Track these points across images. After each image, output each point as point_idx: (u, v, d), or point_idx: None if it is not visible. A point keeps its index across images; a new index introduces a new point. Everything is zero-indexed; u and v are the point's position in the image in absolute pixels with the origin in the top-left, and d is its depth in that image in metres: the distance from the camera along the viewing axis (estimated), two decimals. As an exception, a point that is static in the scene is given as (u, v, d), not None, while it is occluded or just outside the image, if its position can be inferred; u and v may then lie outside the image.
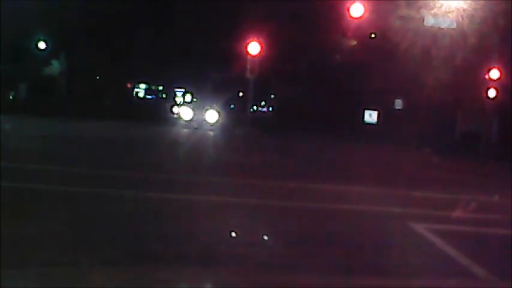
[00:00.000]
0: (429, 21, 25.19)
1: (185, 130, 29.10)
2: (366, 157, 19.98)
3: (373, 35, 30.71)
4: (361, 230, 8.29)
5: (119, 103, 40.40)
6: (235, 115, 36.35)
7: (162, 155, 16.15)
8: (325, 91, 36.96)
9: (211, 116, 32.18)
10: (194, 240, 6.91)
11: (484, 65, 26.12)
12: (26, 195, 8.82)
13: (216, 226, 7.75)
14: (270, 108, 55.68)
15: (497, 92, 25.98)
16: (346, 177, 13.60)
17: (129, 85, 51.78)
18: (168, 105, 42.29)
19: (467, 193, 12.13)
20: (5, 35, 30.31)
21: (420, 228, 8.42)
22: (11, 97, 35.78)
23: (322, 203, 10.16)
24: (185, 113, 33.15)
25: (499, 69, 25.87)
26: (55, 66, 39.63)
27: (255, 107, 47.30)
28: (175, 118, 34.18)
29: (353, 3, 21.79)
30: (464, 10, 24.92)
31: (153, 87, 59.50)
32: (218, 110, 32.94)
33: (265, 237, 7.53)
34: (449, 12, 25.02)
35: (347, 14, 22.28)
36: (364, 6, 21.80)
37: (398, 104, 35.23)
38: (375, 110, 37.10)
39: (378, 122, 36.82)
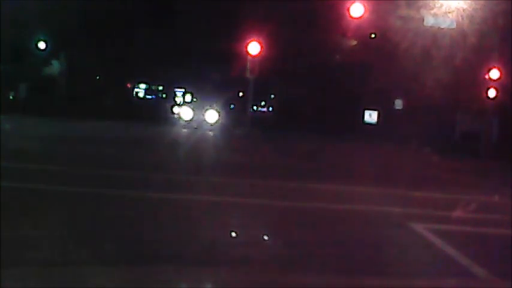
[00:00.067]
0: (429, 21, 25.19)
1: (185, 130, 29.10)
2: (366, 157, 19.98)
3: (373, 35, 30.71)
4: (361, 230, 8.29)
5: (119, 103, 40.38)
6: (235, 115, 36.35)
7: (162, 155, 16.15)
8: (325, 91, 36.96)
9: (211, 116, 32.16)
10: (194, 240, 6.91)
11: (484, 65, 26.12)
12: (26, 195, 8.81)
13: (216, 226, 7.75)
14: (270, 108, 55.68)
15: (497, 92, 25.99)
16: (346, 177, 13.60)
17: (129, 85, 51.76)
18: (168, 105, 42.27)
19: (467, 193, 12.15)
20: (5, 35, 30.31)
21: (420, 228, 8.42)
22: (11, 97, 35.79)
23: (322, 203, 10.15)
24: (185, 113, 33.13)
25: (499, 69, 25.88)
26: (55, 66, 39.62)
27: (255, 107, 47.30)
28: (175, 118, 34.17)
29: (353, 3, 21.79)
30: (464, 10, 24.92)
31: (153, 87, 59.50)
32: (218, 110, 32.93)
33: (265, 237, 7.54)
34: (449, 12, 25.02)
35: (347, 14, 22.28)
36: (364, 6, 21.81)
37: (398, 104, 35.23)
38: (375, 110, 37.10)
39: (378, 122, 36.82)
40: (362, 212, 9.66)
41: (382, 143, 25.87)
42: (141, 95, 57.84)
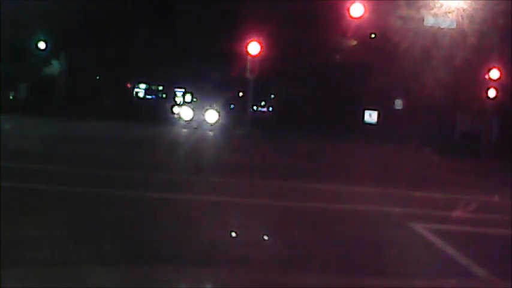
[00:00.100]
0: (429, 21, 25.19)
1: (185, 130, 29.10)
2: (366, 157, 19.98)
3: (373, 35, 30.71)
4: (361, 230, 8.29)
5: (119, 103, 40.39)
6: (235, 115, 36.35)
7: (162, 155, 16.15)
8: (325, 91, 36.96)
9: (211, 116, 32.16)
10: (194, 240, 6.91)
11: (484, 65, 26.13)
12: (26, 195, 8.81)
13: (216, 226, 7.75)
14: (270, 108, 55.69)
15: (497, 92, 26.00)
16: (346, 177, 13.60)
17: (129, 85, 51.77)
18: (168, 105, 42.27)
19: (467, 193, 12.15)
20: (5, 35, 30.31)
21: (420, 228, 8.42)
22: (11, 97, 35.79)
23: (322, 203, 10.15)
24: (185, 113, 33.13)
25: (499, 69, 25.88)
26: (55, 66, 39.62)
27: (255, 107, 47.31)
28: (175, 118, 34.17)
29: (353, 3, 21.79)
30: (464, 10, 24.92)
31: (153, 87, 59.52)
32: (218, 110, 32.93)
33: (265, 237, 7.54)
34: (449, 12, 25.02)
35: (347, 14, 22.28)
36: (364, 6, 21.81)
37: (398, 104, 35.23)
38: (375, 110, 37.10)
39: (378, 122, 36.82)
40: (362, 212, 9.66)
41: (382, 143, 25.87)
42: (141, 95, 57.85)
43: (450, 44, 25.61)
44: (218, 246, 6.69)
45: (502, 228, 8.66)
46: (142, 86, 57.77)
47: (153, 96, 59.07)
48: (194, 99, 41.68)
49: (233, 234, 7.58)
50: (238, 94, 43.45)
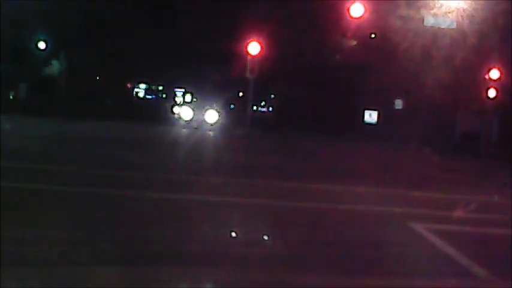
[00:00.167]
0: (429, 21, 25.19)
1: (185, 130, 29.10)
2: (366, 157, 19.99)
3: (373, 35, 30.71)
4: (361, 230, 8.29)
5: (119, 103, 40.43)
6: (235, 115, 36.37)
7: (162, 155, 16.15)
8: (325, 91, 36.96)
9: (211, 116, 32.17)
10: (194, 240, 6.90)
11: (484, 65, 26.13)
12: (26, 195, 8.81)
13: (215, 226, 7.75)
14: (270, 108, 55.71)
15: (497, 92, 26.00)
16: (346, 177, 13.60)
17: (129, 85, 51.81)
18: (168, 105, 42.29)
19: (467, 193, 12.15)
20: (5, 35, 30.31)
21: (420, 228, 8.42)
22: (11, 97, 35.80)
23: (322, 202, 10.15)
24: (185, 113, 33.14)
25: (499, 69, 25.88)
26: (55, 66, 39.64)
27: (255, 107, 47.32)
28: (175, 118, 34.18)
29: (353, 3, 21.79)
30: (464, 10, 24.91)
31: (153, 87, 59.59)
32: (218, 110, 32.95)
33: (265, 237, 7.54)
34: (449, 12, 25.02)
35: (347, 14, 22.28)
36: (364, 6, 21.80)
37: (398, 104, 35.26)
38: (375, 110, 37.12)
39: (378, 122, 36.84)
40: (362, 212, 9.65)
41: (382, 143, 25.87)
42: (141, 95, 57.92)
43: (450, 44, 25.61)
44: (218, 246, 6.68)
45: (502, 228, 8.65)
46: (142, 86, 57.83)
47: (153, 96, 59.14)
48: (194, 99, 41.72)
49: (233, 234, 7.58)
50: (238, 94, 43.49)
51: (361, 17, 22.14)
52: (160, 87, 59.48)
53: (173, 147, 19.76)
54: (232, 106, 44.14)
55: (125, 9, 36.76)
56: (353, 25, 24.03)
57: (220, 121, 32.00)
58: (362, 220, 8.96)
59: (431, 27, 25.47)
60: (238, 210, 8.99)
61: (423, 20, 25.13)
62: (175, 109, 38.30)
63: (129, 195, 9.46)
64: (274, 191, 11.14)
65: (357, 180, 12.72)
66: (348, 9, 22.02)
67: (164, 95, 57.62)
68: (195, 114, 32.37)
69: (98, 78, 42.88)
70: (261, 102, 56.38)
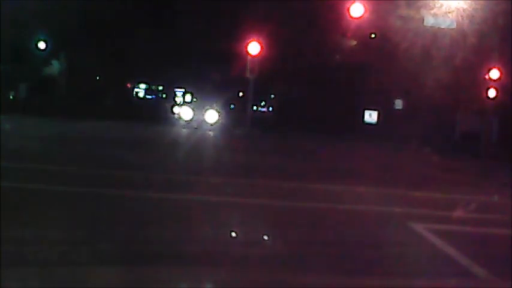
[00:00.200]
0: (429, 21, 25.19)
1: (185, 130, 29.11)
2: (366, 157, 19.99)
3: (373, 35, 30.71)
4: (361, 230, 8.29)
5: (119, 103, 40.43)
6: (235, 115, 36.37)
7: (162, 155, 16.16)
8: (325, 91, 36.96)
9: (211, 116, 32.17)
10: (194, 240, 6.91)
11: (484, 65, 26.13)
12: (26, 195, 8.81)
13: (215, 226, 7.75)
14: (270, 108, 55.72)
15: (497, 92, 26.00)
16: (346, 177, 13.60)
17: (129, 85, 51.81)
18: (168, 105, 42.30)
19: (467, 193, 12.15)
20: (5, 35, 30.31)
21: (420, 228, 8.42)
22: (11, 97, 35.80)
23: (322, 203, 10.15)
24: (185, 113, 33.15)
25: (499, 69, 25.89)
26: (55, 66, 39.64)
27: (255, 107, 47.33)
28: (175, 118, 34.19)
29: (353, 3, 21.79)
30: (464, 10, 24.92)
31: (153, 87, 59.59)
32: (218, 110, 32.95)
33: (265, 237, 7.54)
34: (449, 12, 25.02)
35: (347, 14, 22.28)
36: (364, 6, 21.80)
37: (398, 104, 35.26)
38: (375, 110, 37.12)
39: (378, 122, 36.83)
40: (362, 212, 9.66)
41: (382, 143, 25.87)
42: (141, 95, 57.92)
43: (450, 44, 25.61)
44: (218, 246, 6.69)
45: (502, 228, 8.65)
46: (142, 86, 57.83)
47: (153, 96, 59.14)
48: (194, 99, 41.72)
49: (233, 234, 7.58)
50: (238, 94, 43.49)
51: (361, 17, 22.14)
52: (160, 87, 59.48)
53: (173, 147, 19.77)
54: (232, 106, 44.15)
55: (124, 9, 36.76)
56: (353, 25, 24.04)
57: (220, 121, 32.00)
58: (362, 220, 8.96)
59: (431, 27, 25.47)
60: (238, 210, 8.99)
61: (423, 20, 25.13)
62: (175, 109, 38.31)
63: (129, 195, 9.46)
64: (274, 191, 11.14)
65: (357, 180, 12.72)
66: (348, 9, 22.02)
67: (164, 95, 57.62)
68: (195, 114, 32.37)
69: (98, 78, 42.88)
70: (261, 102, 56.39)
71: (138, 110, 39.00)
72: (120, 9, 36.21)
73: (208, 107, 32.79)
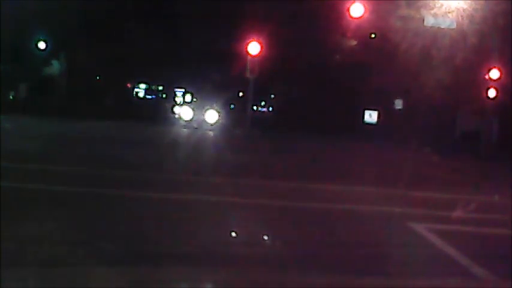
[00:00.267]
0: (429, 21, 25.18)
1: (185, 130, 29.11)
2: (366, 157, 19.98)
3: (373, 35, 30.70)
4: (361, 230, 8.29)
5: (119, 103, 40.42)
6: (235, 115, 36.36)
7: (162, 155, 16.15)
8: (325, 91, 36.97)
9: (211, 116, 32.18)
10: (194, 240, 6.91)
11: (484, 65, 26.13)
12: (26, 195, 8.81)
13: (216, 226, 7.75)
14: (270, 108, 55.71)
15: (497, 92, 26.01)
16: (346, 177, 13.60)
17: (129, 85, 51.79)
18: (168, 105, 42.31)
19: (467, 193, 12.14)
20: (5, 35, 30.31)
21: (420, 228, 8.42)
22: (11, 97, 35.81)
23: (322, 203, 10.16)
24: (185, 113, 33.16)
25: (499, 69, 25.89)
26: (55, 66, 39.63)
27: (255, 107, 47.31)
28: (176, 118, 34.20)
29: (353, 3, 21.79)
30: (464, 10, 24.91)
31: (153, 87, 59.54)
32: (218, 110, 32.96)
33: (265, 237, 7.54)
34: (449, 12, 25.01)
35: (347, 14, 22.28)
36: (364, 6, 21.80)
37: (398, 104, 35.22)
38: (375, 110, 37.10)
39: (378, 122, 36.82)
40: (362, 212, 9.66)
41: (382, 143, 25.87)
42: (141, 95, 57.87)
43: (450, 44, 25.60)
44: (218, 246, 6.69)
45: (502, 228, 8.65)
46: (142, 86, 57.78)
47: (153, 96, 59.10)
48: (194, 99, 41.69)
49: (233, 234, 7.58)
50: (238, 94, 43.45)
51: (361, 17, 22.14)
52: (160, 87, 59.44)
53: (173, 147, 19.77)
54: (232, 106, 44.12)
55: (125, 10, 36.76)
56: (353, 25, 24.03)
57: (220, 121, 32.01)
58: (362, 220, 8.96)
59: (431, 27, 25.46)
60: (238, 210, 8.98)
61: (423, 20, 25.12)
62: (176, 109, 38.32)
63: (129, 195, 9.47)
64: (274, 191, 11.14)
65: (357, 180, 12.72)
66: (348, 9, 22.02)
67: (164, 95, 57.59)
68: (195, 114, 32.38)
69: (98, 78, 42.86)
70: (261, 102, 56.35)
71: (138, 110, 39.03)
72: (120, 9, 36.21)
73: (208, 107, 32.79)
